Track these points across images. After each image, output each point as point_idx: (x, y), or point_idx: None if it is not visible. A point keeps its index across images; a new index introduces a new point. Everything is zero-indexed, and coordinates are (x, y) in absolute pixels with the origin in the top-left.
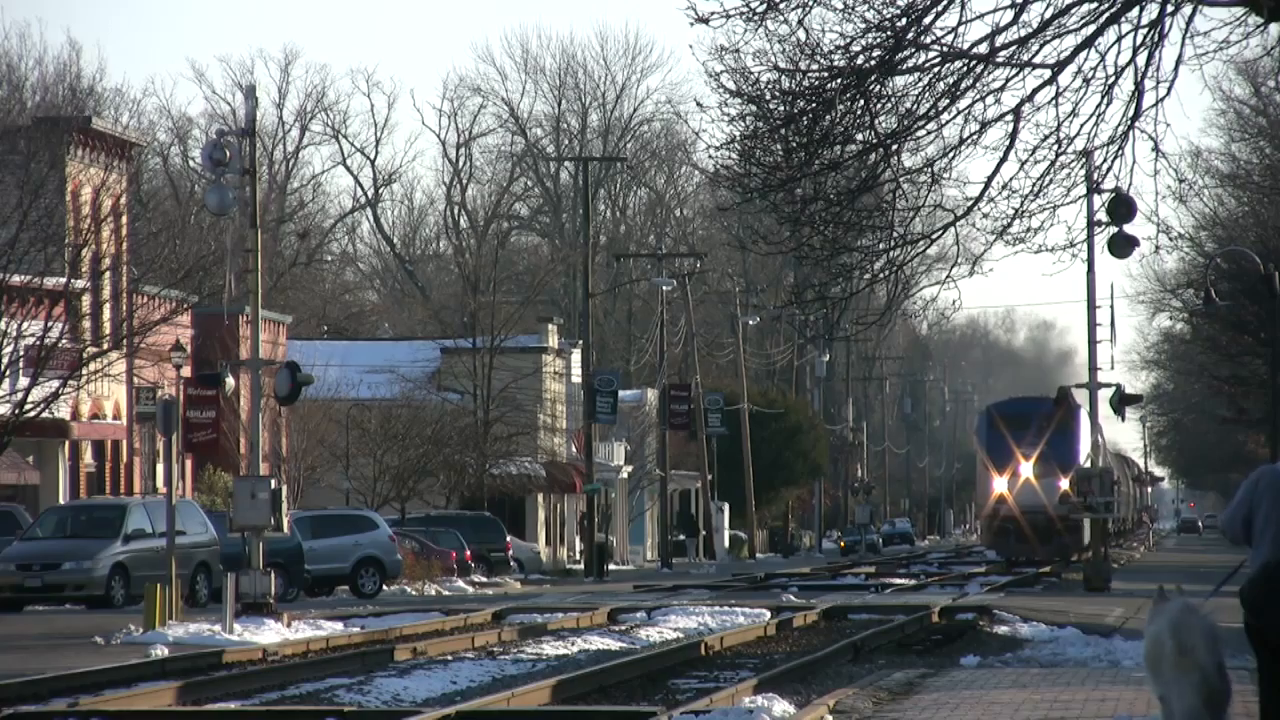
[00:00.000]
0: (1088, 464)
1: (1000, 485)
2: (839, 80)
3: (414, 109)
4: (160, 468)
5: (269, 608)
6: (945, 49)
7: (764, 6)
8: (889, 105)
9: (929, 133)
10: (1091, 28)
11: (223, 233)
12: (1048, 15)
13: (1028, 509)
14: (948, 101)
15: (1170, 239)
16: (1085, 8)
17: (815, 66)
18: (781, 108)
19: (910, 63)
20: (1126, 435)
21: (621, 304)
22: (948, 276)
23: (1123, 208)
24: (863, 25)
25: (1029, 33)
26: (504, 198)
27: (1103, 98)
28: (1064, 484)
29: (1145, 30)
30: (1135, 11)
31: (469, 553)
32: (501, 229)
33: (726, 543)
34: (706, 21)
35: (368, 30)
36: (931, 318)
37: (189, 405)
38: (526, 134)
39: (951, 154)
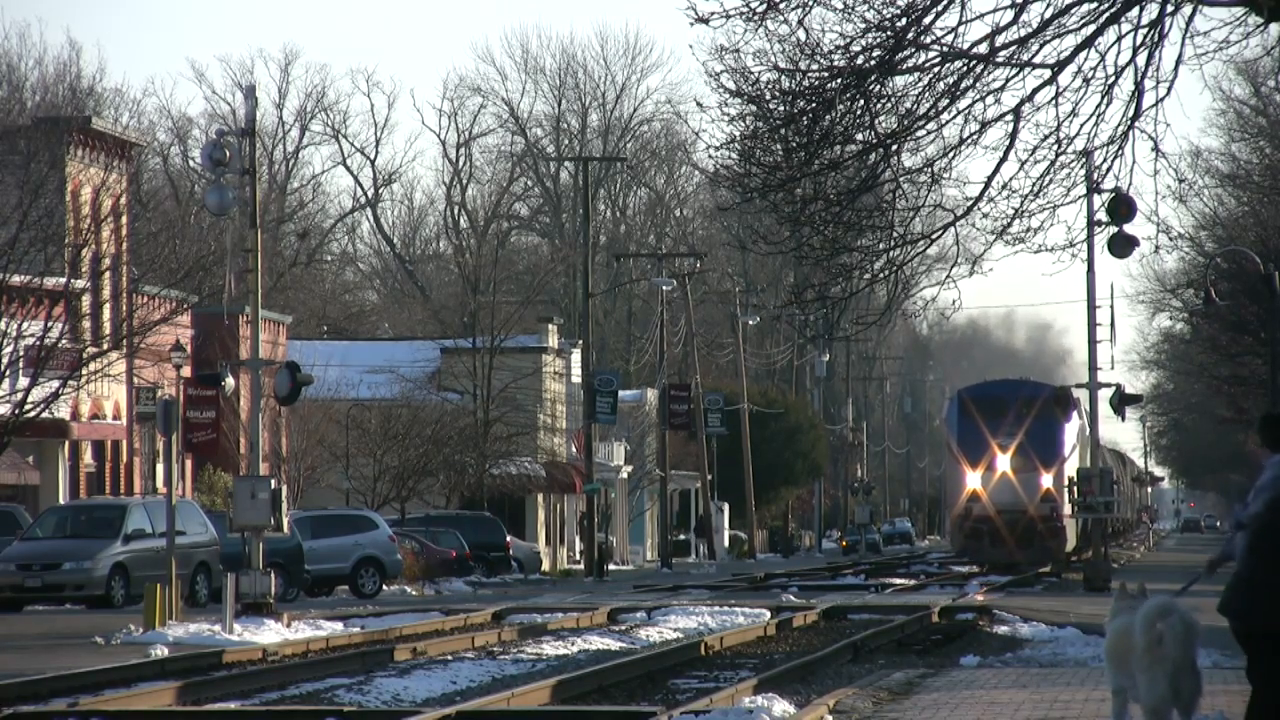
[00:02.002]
0: (1073, 457)
1: (973, 481)
2: (839, 80)
3: (414, 109)
4: (160, 468)
5: (269, 608)
6: (945, 49)
7: (764, 6)
8: (889, 105)
9: (929, 133)
10: (1091, 28)
11: (223, 233)
12: (1048, 15)
13: (1004, 508)
14: (948, 101)
15: (1170, 239)
16: (1085, 8)
17: (815, 66)
18: (781, 108)
19: (910, 63)
20: (1126, 435)
21: (621, 304)
22: (948, 276)
23: (1123, 208)
24: (863, 25)
25: (1029, 33)
26: (504, 198)
27: (1103, 98)
28: (1046, 480)
29: (1145, 30)
30: (1135, 11)
31: (469, 553)
32: (501, 229)
33: (726, 543)
34: (706, 21)
35: (368, 30)
36: (932, 318)
37: (189, 405)
38: (526, 134)
39: (951, 154)
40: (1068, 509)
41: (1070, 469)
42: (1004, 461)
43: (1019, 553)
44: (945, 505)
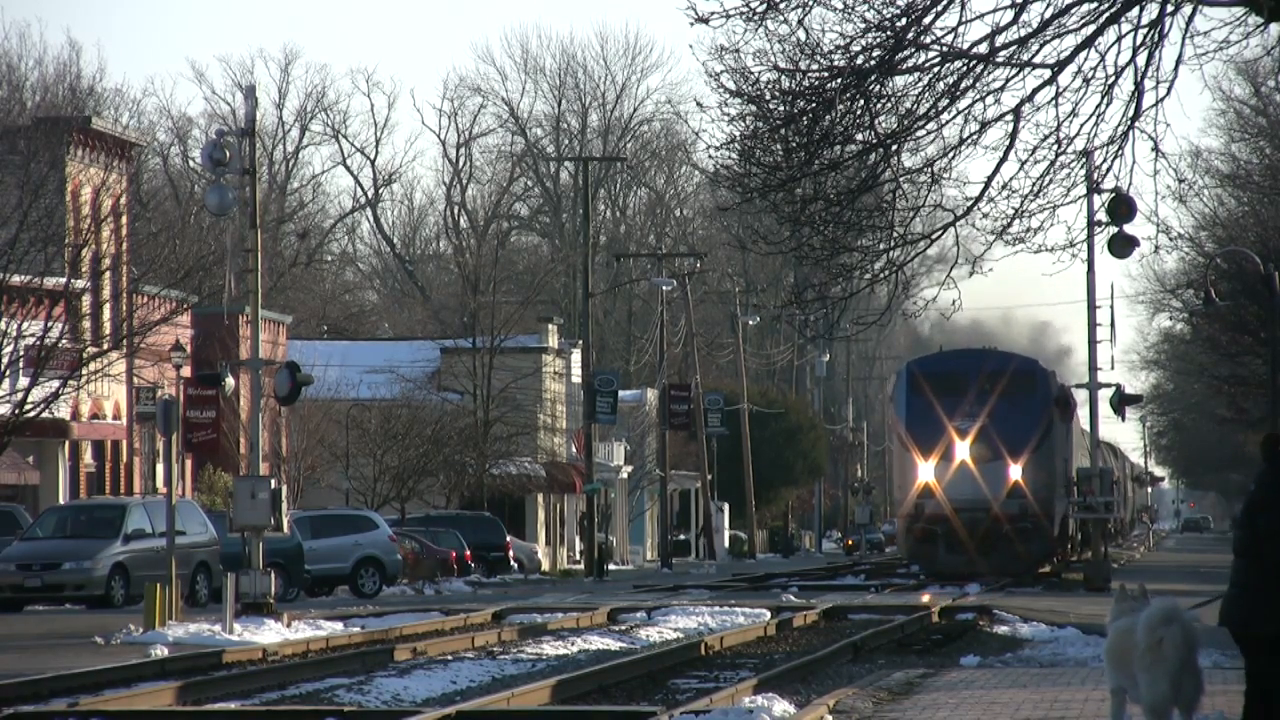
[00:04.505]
0: (1049, 443)
1: (925, 472)
2: (839, 80)
3: (414, 109)
4: (160, 468)
5: (269, 608)
6: (945, 49)
7: (764, 6)
8: (889, 105)
9: (929, 133)
10: (1091, 28)
11: (223, 233)
12: (1048, 15)
13: (963, 505)
14: (948, 101)
15: (1170, 239)
16: (1085, 8)
17: (815, 66)
18: (781, 108)
19: (910, 63)
20: (1127, 435)
21: (621, 304)
22: (948, 276)
23: (1123, 208)
24: (863, 25)
25: (1029, 33)
26: (504, 198)
27: (1103, 98)
28: (1014, 472)
29: (1145, 30)
30: (1135, 11)
31: (469, 553)
32: (501, 229)
33: (726, 543)
34: (706, 21)
35: (368, 30)
36: (932, 318)
37: (189, 405)
38: (526, 134)
39: (951, 154)
40: (1044, 505)
41: (1047, 458)
42: (963, 449)
43: (981, 560)
44: (893, 501)
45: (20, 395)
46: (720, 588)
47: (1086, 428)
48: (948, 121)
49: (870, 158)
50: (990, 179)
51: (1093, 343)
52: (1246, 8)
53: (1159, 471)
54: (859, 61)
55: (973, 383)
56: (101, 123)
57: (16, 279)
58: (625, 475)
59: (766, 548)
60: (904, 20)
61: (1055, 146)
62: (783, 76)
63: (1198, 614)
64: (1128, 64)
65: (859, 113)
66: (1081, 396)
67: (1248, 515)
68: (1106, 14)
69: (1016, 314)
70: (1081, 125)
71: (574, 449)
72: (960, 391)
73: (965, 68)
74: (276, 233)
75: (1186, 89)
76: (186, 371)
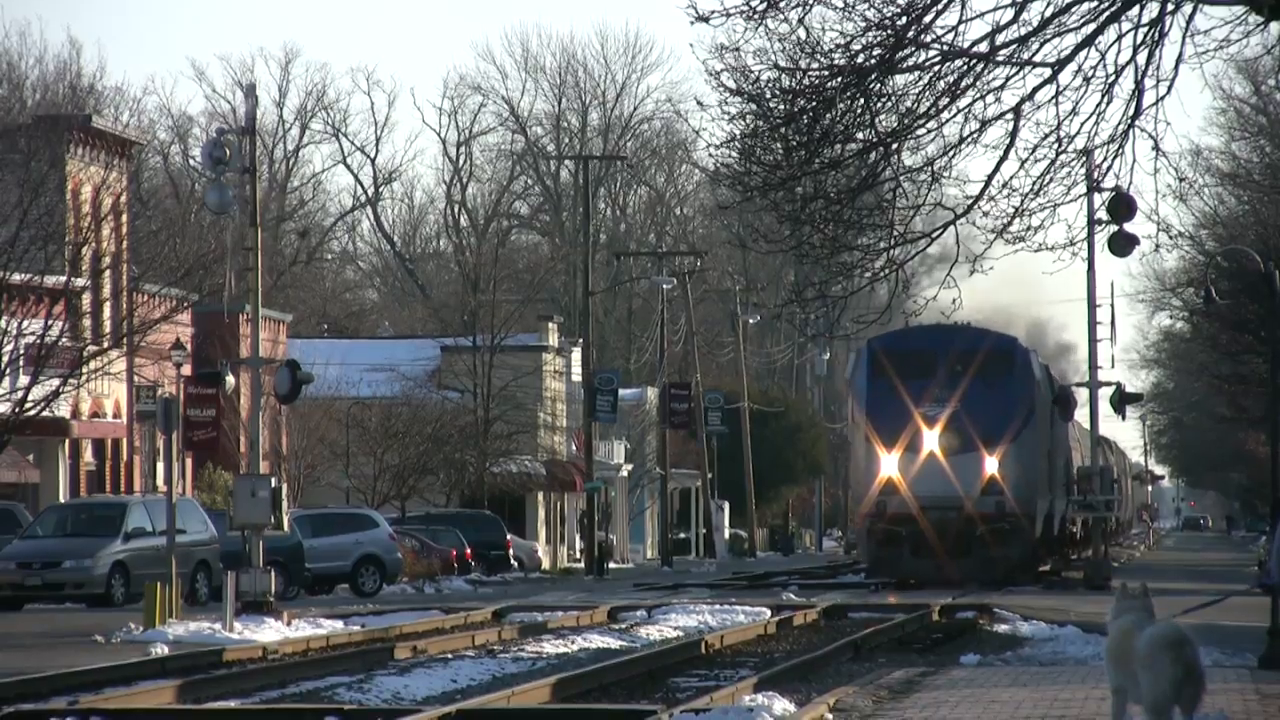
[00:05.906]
0: (1031, 432)
1: (889, 465)
2: (839, 79)
3: (414, 107)
4: (160, 466)
5: (269, 606)
6: (945, 48)
7: (764, 5)
8: (889, 104)
9: (929, 131)
10: (1092, 26)
11: (223, 231)
12: (1048, 14)
13: (932, 503)
14: (948, 100)
15: (1170, 237)
16: (1085, 6)
17: (815, 65)
18: (782, 106)
19: (910, 61)
20: (1127, 434)
21: (621, 303)
22: (948, 275)
23: (1123, 206)
24: (863, 24)
25: (1029, 31)
26: (504, 196)
27: (1103, 96)
28: (990, 465)
29: (1145, 29)
30: (1135, 10)
31: (469, 551)
32: (502, 227)
33: (726, 541)
34: (707, 20)
35: (368, 29)
36: (933, 317)
37: (189, 404)
38: (527, 132)
39: (952, 153)
40: (1024, 503)
41: (1028, 449)
42: (931, 439)
43: (951, 564)
44: (851, 498)
45: (20, 394)
46: (720, 586)
47: (1087, 426)
48: (948, 120)
49: (870, 156)
50: (990, 177)
51: (1093, 341)
52: (1247, 7)
53: (1159, 470)
54: (859, 60)
55: (942, 363)
56: (102, 121)
57: (16, 277)
58: (625, 474)
59: (766, 546)
60: (904, 19)
61: (1055, 145)
62: (783, 75)
63: (1197, 639)
64: (1128, 63)
65: (859, 111)
66: (1082, 395)
67: None
68: (1107, 13)
69: (1017, 312)
70: (1082, 124)
71: (574, 447)
72: (928, 373)
73: (965, 66)
74: (277, 231)
75: (1187, 88)
76: (187, 370)
